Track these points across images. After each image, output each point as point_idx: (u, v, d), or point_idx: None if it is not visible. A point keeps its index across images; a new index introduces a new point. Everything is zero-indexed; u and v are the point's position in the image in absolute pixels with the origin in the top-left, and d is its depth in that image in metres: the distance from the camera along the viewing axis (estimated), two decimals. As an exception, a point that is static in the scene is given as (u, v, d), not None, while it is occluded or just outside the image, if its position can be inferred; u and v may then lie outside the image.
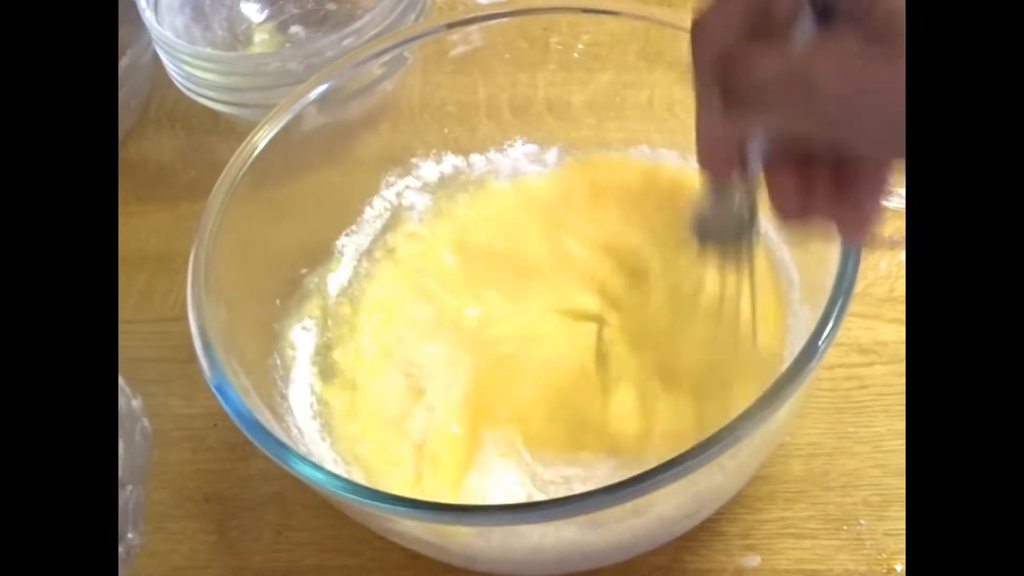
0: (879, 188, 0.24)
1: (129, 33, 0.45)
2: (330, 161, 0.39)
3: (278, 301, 0.37)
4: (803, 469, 0.35)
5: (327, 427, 0.35)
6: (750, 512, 0.35)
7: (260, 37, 0.48)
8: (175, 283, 0.43)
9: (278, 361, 0.36)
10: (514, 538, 0.29)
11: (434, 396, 0.35)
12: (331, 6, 0.48)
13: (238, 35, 0.48)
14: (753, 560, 0.34)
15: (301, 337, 0.37)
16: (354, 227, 0.40)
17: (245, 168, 0.35)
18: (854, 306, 0.38)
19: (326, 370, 0.37)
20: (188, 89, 0.43)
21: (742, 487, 0.34)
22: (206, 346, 0.30)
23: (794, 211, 0.25)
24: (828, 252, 0.30)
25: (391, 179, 0.41)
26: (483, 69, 0.40)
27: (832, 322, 0.28)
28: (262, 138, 0.35)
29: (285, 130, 0.36)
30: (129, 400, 0.37)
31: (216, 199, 0.34)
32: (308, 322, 0.38)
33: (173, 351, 0.40)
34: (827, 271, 0.29)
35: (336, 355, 0.37)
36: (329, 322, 0.38)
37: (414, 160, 0.41)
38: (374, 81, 0.39)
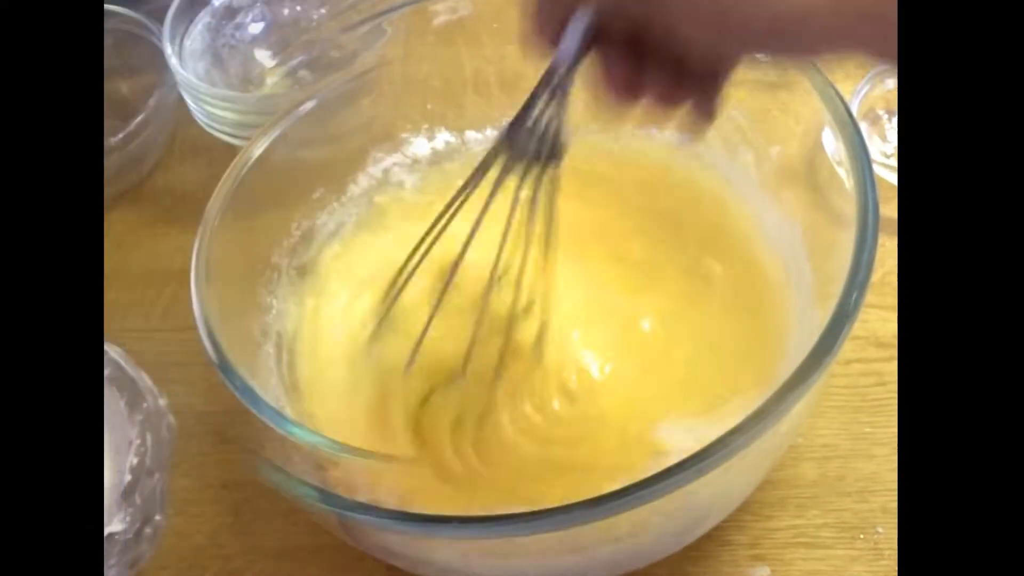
0: (715, 76, 0.25)
1: (156, 77, 0.49)
2: (312, 143, 0.39)
3: (270, 279, 0.38)
4: (816, 473, 0.34)
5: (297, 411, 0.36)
6: (758, 520, 0.34)
7: (271, 80, 0.50)
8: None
9: (271, 350, 0.37)
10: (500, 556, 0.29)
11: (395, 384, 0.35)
12: (334, 53, 0.50)
13: (252, 78, 0.50)
14: (762, 571, 0.33)
15: (283, 323, 0.38)
16: (336, 205, 0.40)
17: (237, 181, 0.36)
18: (871, 297, 0.36)
19: (291, 364, 0.37)
20: (208, 126, 0.46)
21: (750, 494, 0.32)
22: (209, 331, 0.32)
23: (622, 88, 0.25)
24: (841, 239, 0.28)
25: (379, 155, 0.41)
26: (469, 40, 0.40)
27: (849, 317, 0.27)
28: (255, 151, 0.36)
29: (277, 141, 0.36)
30: (156, 399, 0.40)
31: (212, 209, 0.35)
32: (289, 304, 0.38)
33: (195, 356, 0.40)
34: (840, 260, 0.28)
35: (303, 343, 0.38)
36: (308, 299, 0.39)
37: (404, 136, 0.41)
38: (351, 54, 0.40)
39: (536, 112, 0.27)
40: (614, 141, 0.39)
